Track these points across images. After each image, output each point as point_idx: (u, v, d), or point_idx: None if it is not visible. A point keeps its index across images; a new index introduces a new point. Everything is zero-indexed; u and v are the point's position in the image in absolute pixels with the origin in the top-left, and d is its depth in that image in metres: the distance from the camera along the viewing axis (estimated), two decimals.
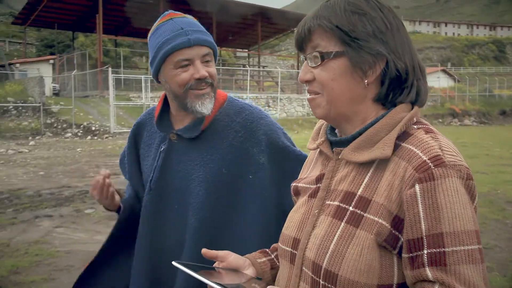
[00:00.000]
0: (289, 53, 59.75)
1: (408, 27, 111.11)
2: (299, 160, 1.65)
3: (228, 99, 1.75)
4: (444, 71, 52.77)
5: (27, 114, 22.51)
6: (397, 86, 1.06)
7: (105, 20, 28.68)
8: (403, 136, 1.03)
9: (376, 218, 0.97)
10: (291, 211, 1.21)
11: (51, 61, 33.78)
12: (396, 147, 1.01)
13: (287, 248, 1.14)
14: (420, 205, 0.93)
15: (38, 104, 22.32)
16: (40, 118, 21.62)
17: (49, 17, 33.91)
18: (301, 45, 1.11)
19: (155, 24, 1.66)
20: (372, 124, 1.06)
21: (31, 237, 5.83)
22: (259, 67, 36.57)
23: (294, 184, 1.26)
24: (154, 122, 1.76)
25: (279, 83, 29.82)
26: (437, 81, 40.05)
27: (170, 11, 1.68)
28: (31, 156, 14.22)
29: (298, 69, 37.05)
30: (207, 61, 1.62)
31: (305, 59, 1.10)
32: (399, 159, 0.99)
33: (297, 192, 1.24)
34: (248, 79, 27.37)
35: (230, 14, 31.51)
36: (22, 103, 22.88)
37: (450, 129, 27.82)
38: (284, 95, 28.71)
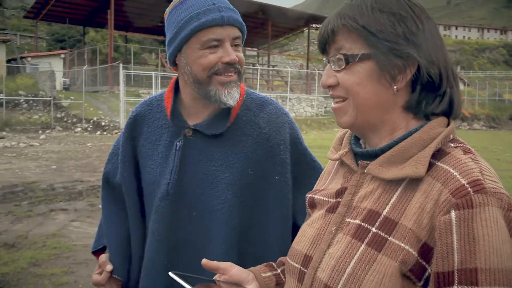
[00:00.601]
0: (298, 52, 59.67)
1: None
2: (314, 166, 1.58)
3: (247, 91, 1.58)
4: None
5: (37, 107, 22.64)
6: (429, 93, 0.96)
7: (116, 16, 28.76)
8: (438, 154, 0.93)
9: (402, 244, 0.87)
10: (304, 224, 1.11)
11: (62, 56, 33.93)
12: (430, 166, 0.91)
13: (296, 265, 1.04)
14: (454, 235, 0.83)
15: (48, 98, 22.44)
16: (50, 112, 21.74)
17: (60, 12, 34.07)
18: (324, 47, 1.03)
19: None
20: (404, 137, 0.96)
21: (48, 230, 5.89)
22: (268, 66, 36.55)
23: (309, 195, 1.16)
24: (156, 114, 1.56)
25: (288, 83, 29.80)
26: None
27: None
28: (42, 149, 14.31)
29: (307, 69, 37.03)
30: (237, 45, 1.44)
31: (328, 62, 1.01)
32: (433, 179, 0.90)
33: (313, 205, 1.13)
34: (258, 78, 27.36)
35: (240, 13, 31.53)
36: (33, 96, 23.01)
37: (459, 133, 27.31)
38: (294, 95, 28.70)
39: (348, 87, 0.97)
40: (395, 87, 0.95)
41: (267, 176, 1.50)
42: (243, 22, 1.45)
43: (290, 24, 38.75)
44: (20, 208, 6.97)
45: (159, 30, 38.94)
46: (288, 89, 28.92)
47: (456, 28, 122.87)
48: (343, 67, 0.97)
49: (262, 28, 35.31)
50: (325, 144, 17.02)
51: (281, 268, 1.21)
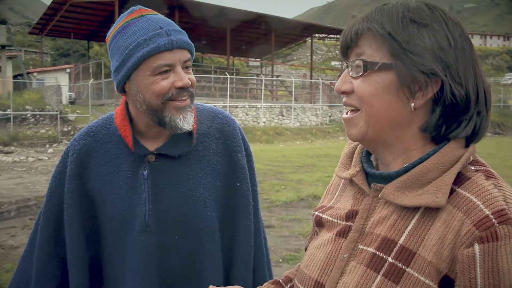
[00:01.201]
0: (301, 62, 59.84)
1: None
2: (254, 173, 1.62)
3: (196, 106, 1.55)
4: None
5: (44, 122, 22.79)
6: (453, 117, 0.89)
7: None
8: (458, 179, 0.87)
9: (421, 277, 0.83)
10: (312, 245, 1.06)
11: (68, 70, 34.22)
12: (450, 192, 0.86)
13: None
14: (478, 269, 0.79)
15: (55, 112, 22.61)
16: (57, 126, 21.89)
17: (65, 27, 34.42)
18: (346, 51, 0.96)
19: (121, 21, 1.38)
20: (421, 160, 0.90)
21: None
22: (272, 77, 36.70)
23: (316, 213, 1.10)
24: (105, 145, 1.47)
25: (293, 93, 29.94)
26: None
27: (140, 6, 1.41)
28: (51, 163, 14.41)
29: (311, 78, 37.13)
30: (187, 67, 1.39)
31: (347, 67, 0.94)
32: (454, 208, 0.84)
33: (321, 224, 1.08)
34: (263, 88, 27.49)
35: (243, 24, 31.73)
36: (40, 111, 23.18)
37: None
38: (298, 104, 28.79)
39: (363, 97, 0.91)
40: (413, 104, 0.88)
41: (230, 184, 1.51)
42: (191, 43, 1.41)
43: (293, 35, 38.94)
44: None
45: None
46: (293, 99, 29.04)
47: None
48: (361, 74, 0.90)
49: (265, 39, 35.52)
50: (330, 153, 17.05)
51: (289, 285, 1.18)
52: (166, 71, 1.34)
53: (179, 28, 1.39)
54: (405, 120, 0.90)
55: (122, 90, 1.42)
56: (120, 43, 1.35)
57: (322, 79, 32.99)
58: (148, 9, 1.41)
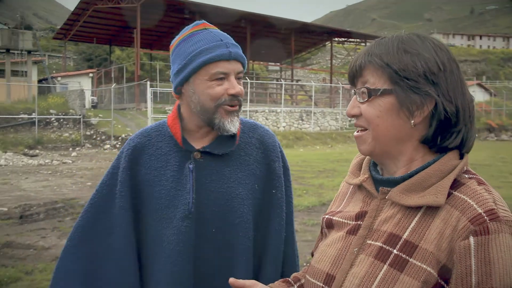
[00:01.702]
0: (321, 66, 59.81)
1: (442, 40, 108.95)
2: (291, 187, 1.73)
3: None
4: (479, 85, 51.92)
5: (68, 126, 23.25)
6: (446, 129, 1.04)
7: (141, 34, 29.43)
8: (455, 184, 1.02)
9: (423, 265, 0.96)
10: (323, 244, 1.18)
11: (90, 75, 34.81)
12: (448, 195, 1.00)
13: (318, 283, 1.11)
14: (473, 258, 0.92)
15: (78, 116, 23.05)
16: (80, 130, 22.31)
17: (88, 32, 35.07)
18: (353, 80, 1.11)
19: (187, 31, 1.56)
20: (422, 168, 1.04)
21: None
22: (292, 81, 36.78)
23: (327, 216, 1.23)
24: (157, 143, 1.61)
25: (313, 97, 29.93)
26: (472, 95, 39.25)
27: (203, 21, 1.59)
28: (75, 167, 14.72)
29: (330, 82, 37.10)
30: (239, 78, 1.55)
31: (355, 94, 1.10)
32: (452, 207, 0.98)
33: (331, 226, 1.20)
34: (283, 92, 27.58)
35: (264, 29, 31.90)
36: (64, 115, 23.64)
37: (487, 144, 27.34)
38: (318, 109, 28.81)
39: (369, 119, 1.06)
40: (413, 121, 1.03)
41: (267, 190, 1.64)
42: (245, 56, 1.57)
43: (313, 39, 39.00)
44: (64, 223, 7.24)
45: None
46: (313, 103, 29.06)
47: (481, 38, 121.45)
48: (366, 99, 1.06)
49: (285, 43, 35.64)
50: (351, 157, 16.90)
51: (297, 284, 1.29)
52: (221, 78, 1.50)
53: (236, 43, 1.56)
54: (407, 135, 1.05)
55: (179, 92, 1.57)
56: (184, 50, 1.53)
57: (341, 84, 32.94)
58: (211, 24, 1.59)
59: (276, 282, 1.32)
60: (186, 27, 1.60)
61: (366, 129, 1.08)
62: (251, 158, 1.63)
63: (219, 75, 1.49)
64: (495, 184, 10.97)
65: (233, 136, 1.59)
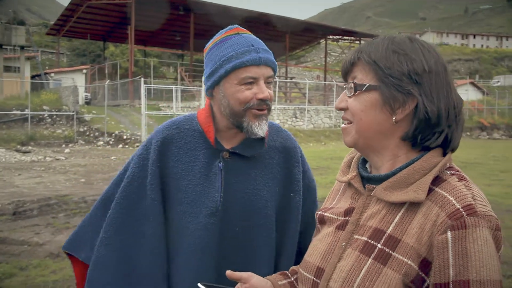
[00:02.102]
0: (315, 64, 59.91)
1: (436, 39, 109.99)
2: (314, 190, 1.78)
3: None
4: (472, 83, 52.15)
5: (61, 122, 23.16)
6: (427, 129, 1.07)
7: (135, 30, 29.34)
8: (436, 180, 1.06)
9: (405, 259, 1.00)
10: (315, 239, 1.25)
11: (84, 71, 34.67)
12: (429, 191, 1.04)
13: (310, 276, 1.17)
14: (450, 252, 0.96)
15: (71, 113, 22.97)
16: (73, 126, 22.23)
17: (82, 28, 34.97)
18: (345, 76, 1.17)
19: (220, 36, 1.60)
20: (406, 165, 1.09)
21: None
22: (286, 78, 36.82)
23: (319, 212, 1.28)
24: (187, 137, 1.64)
25: (306, 95, 29.98)
26: (465, 94, 39.63)
27: (237, 25, 1.63)
28: (68, 163, 14.68)
29: (324, 80, 37.17)
30: (269, 83, 1.58)
31: (345, 88, 1.15)
32: (432, 203, 1.02)
33: (323, 221, 1.26)
34: (277, 90, 27.62)
35: (257, 26, 31.90)
36: (57, 111, 23.55)
37: (479, 143, 27.52)
38: (312, 107, 28.85)
39: (354, 112, 1.11)
40: (394, 118, 1.07)
41: (286, 194, 1.68)
42: (275, 62, 1.60)
43: (307, 36, 39.04)
44: (58, 220, 7.24)
45: (177, 44, 39.55)
46: (306, 101, 29.11)
47: (474, 37, 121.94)
48: (353, 94, 1.12)
49: (279, 41, 35.66)
50: (344, 155, 17.01)
51: (294, 277, 1.36)
52: (250, 83, 1.53)
53: (267, 48, 1.59)
54: (389, 131, 1.10)
55: (210, 94, 1.61)
56: (216, 54, 1.57)
57: (335, 81, 33.00)
58: (244, 28, 1.63)
59: (274, 274, 1.38)
60: (220, 31, 1.64)
61: (351, 122, 1.13)
62: (274, 161, 1.67)
63: (248, 80, 1.52)
64: (486, 182, 11.08)
65: (261, 139, 1.63)
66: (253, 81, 1.53)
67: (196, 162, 1.61)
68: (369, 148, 1.13)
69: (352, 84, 1.11)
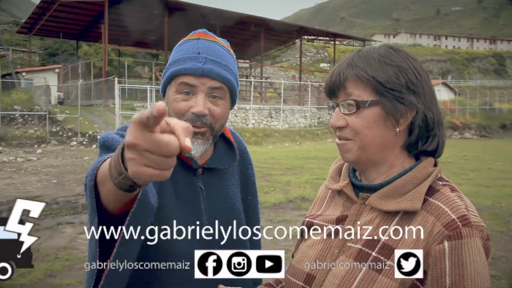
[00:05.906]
0: (290, 64, 60.06)
1: (409, 39, 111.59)
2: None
3: None
4: (444, 84, 53.04)
5: (33, 122, 22.72)
6: (424, 134, 1.12)
7: (109, 29, 29.00)
8: (430, 191, 1.08)
9: None
10: (304, 245, 1.23)
11: (57, 70, 34.07)
12: (424, 201, 1.06)
13: (299, 282, 1.16)
14: (447, 261, 0.99)
15: (44, 113, 22.55)
16: (45, 126, 21.84)
17: (54, 26, 34.30)
18: (333, 91, 1.15)
19: (184, 38, 1.50)
20: (400, 175, 1.11)
21: (58, 243, 6.08)
22: (261, 78, 36.88)
23: (307, 219, 1.27)
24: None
25: (282, 95, 30.06)
26: (437, 94, 40.12)
27: (205, 30, 1.49)
28: (40, 164, 14.42)
29: (300, 80, 37.34)
30: (215, 97, 1.39)
31: (337, 106, 1.14)
32: (427, 213, 1.05)
33: (311, 228, 1.25)
34: (252, 90, 27.65)
35: (232, 26, 31.88)
36: (28, 111, 23.10)
37: (451, 142, 28.04)
38: (287, 107, 28.96)
39: (357, 129, 1.11)
40: (397, 129, 1.10)
41: (244, 198, 1.60)
42: (228, 76, 1.40)
43: (282, 36, 39.14)
44: None
45: (152, 43, 39.22)
46: (282, 101, 29.20)
47: (446, 38, 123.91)
48: (354, 111, 1.11)
49: (254, 41, 35.70)
50: (319, 155, 17.22)
51: (279, 286, 1.34)
52: (188, 93, 1.37)
53: (218, 59, 1.41)
54: (391, 142, 1.12)
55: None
56: (171, 56, 1.45)
57: (311, 81, 33.24)
58: (211, 35, 1.47)
59: (259, 286, 1.37)
60: (191, 33, 1.51)
61: (349, 139, 1.13)
62: (234, 167, 1.57)
63: (185, 88, 1.37)
64: (456, 181, 11.26)
65: (231, 148, 1.53)
66: (189, 91, 1.37)
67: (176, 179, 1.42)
68: (370, 162, 1.14)
69: (353, 101, 1.10)
